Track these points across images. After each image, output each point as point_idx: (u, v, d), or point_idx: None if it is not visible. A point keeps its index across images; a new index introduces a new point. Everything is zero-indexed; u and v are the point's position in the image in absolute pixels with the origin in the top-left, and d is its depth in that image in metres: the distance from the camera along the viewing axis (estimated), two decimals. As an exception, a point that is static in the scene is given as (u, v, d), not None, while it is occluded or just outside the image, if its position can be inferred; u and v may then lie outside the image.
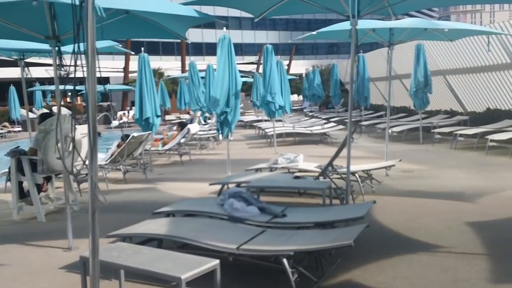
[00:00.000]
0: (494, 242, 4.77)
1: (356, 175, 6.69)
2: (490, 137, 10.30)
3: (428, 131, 13.78)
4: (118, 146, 9.38)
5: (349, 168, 5.44)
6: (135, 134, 9.20)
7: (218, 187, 6.63)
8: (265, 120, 20.39)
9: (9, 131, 24.25)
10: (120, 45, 7.07)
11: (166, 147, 11.45)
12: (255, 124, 19.44)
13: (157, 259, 2.88)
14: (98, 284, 2.42)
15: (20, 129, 25.01)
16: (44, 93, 36.37)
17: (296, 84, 42.64)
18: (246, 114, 31.60)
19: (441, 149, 11.95)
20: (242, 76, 28.42)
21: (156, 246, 4.06)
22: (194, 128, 12.19)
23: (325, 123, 16.17)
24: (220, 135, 8.65)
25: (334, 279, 3.96)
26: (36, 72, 40.43)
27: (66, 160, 6.77)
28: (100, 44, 6.95)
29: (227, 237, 3.98)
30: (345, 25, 8.23)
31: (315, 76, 25.13)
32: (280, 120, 19.82)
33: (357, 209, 4.67)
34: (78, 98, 44.42)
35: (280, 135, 15.54)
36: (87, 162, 7.99)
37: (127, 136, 9.26)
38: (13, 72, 38.14)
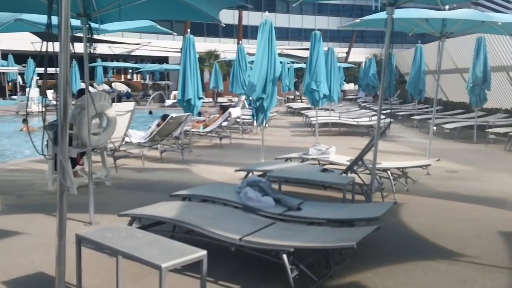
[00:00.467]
0: (525, 256, 4.40)
1: (388, 172, 6.38)
2: (548, 141, 9.53)
3: (483, 130, 12.97)
4: (158, 125, 9.53)
5: (374, 165, 5.19)
6: (174, 115, 9.30)
7: (245, 173, 6.57)
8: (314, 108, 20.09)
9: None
10: (158, 26, 7.07)
11: (207, 129, 11.53)
12: (303, 111, 19.16)
13: (147, 245, 2.86)
14: (64, 265, 2.42)
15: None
16: (105, 69, 37.82)
17: (354, 73, 41.62)
18: (298, 101, 31.36)
19: (494, 150, 11.22)
20: (295, 62, 28.20)
21: (168, 229, 4.09)
22: (235, 112, 12.17)
23: (374, 115, 15.63)
24: (255, 122, 8.55)
25: (341, 280, 3.80)
26: (99, 49, 42.21)
27: (101, 136, 6.98)
28: (138, 24, 7.02)
29: (233, 227, 3.91)
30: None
31: (371, 66, 24.36)
32: (328, 109, 19.47)
33: (375, 209, 4.45)
34: (138, 76, 45.81)
35: (325, 125, 15.26)
36: (126, 139, 8.16)
37: (167, 116, 9.39)
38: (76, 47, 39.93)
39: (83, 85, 25.03)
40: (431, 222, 5.41)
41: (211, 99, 30.05)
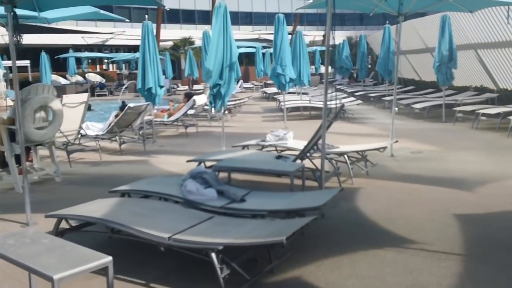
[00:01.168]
0: (477, 239, 4.26)
1: (345, 156, 6.20)
2: (512, 117, 9.47)
3: (452, 109, 12.92)
4: (116, 116, 9.20)
5: (323, 150, 4.98)
6: (131, 105, 8.98)
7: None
8: (287, 93, 19.86)
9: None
10: (101, 11, 6.70)
11: (172, 118, 11.21)
12: (276, 96, 18.92)
13: (48, 252, 2.60)
14: None
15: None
16: (79, 60, 36.89)
17: (332, 56, 41.40)
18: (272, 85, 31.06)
19: (462, 128, 11.16)
20: (266, 47, 27.67)
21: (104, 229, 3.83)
22: (200, 99, 11.86)
23: (344, 97, 15.46)
24: (213, 109, 8.28)
25: (282, 275, 3.60)
26: (72, 39, 41.10)
27: (47, 130, 6.64)
28: (80, 10, 6.65)
29: (166, 224, 3.68)
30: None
31: (344, 48, 24.16)
32: (299, 93, 19.25)
33: (318, 197, 4.25)
34: (113, 65, 44.86)
35: (297, 109, 15.05)
36: (82, 131, 7.75)
37: (125, 106, 9.06)
38: (46, 39, 38.82)
39: (54, 77, 24.21)
40: (386, 206, 5.25)
41: (187, 87, 29.59)
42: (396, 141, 6.80)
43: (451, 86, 16.72)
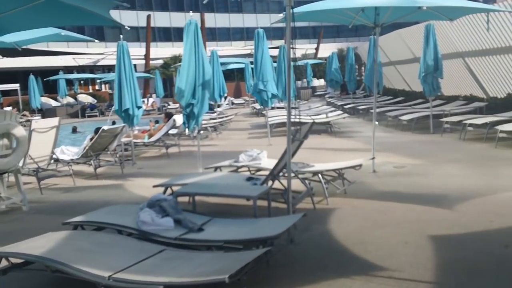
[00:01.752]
0: (450, 264, 3.98)
1: (319, 175, 5.94)
2: (500, 127, 9.23)
3: (439, 120, 12.70)
4: (91, 139, 8.95)
5: (289, 172, 4.71)
6: (105, 127, 8.74)
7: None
8: (278, 108, 19.69)
9: (28, 120, 24.46)
10: (62, 33, 6.49)
11: (152, 139, 10.97)
12: (264, 112, 18.71)
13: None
14: None
15: (39, 117, 25.20)
16: (71, 81, 36.78)
17: (324, 69, 41.38)
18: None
19: (449, 140, 10.92)
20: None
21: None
22: (181, 118, 11.60)
23: (331, 111, 15.25)
24: (186, 130, 8.05)
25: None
26: (63, 61, 41.08)
27: (10, 158, 6.38)
28: (42, 32, 6.44)
29: (111, 261, 3.40)
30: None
31: (333, 60, 24.09)
32: (293, 108, 19.02)
33: (280, 224, 3.97)
34: (106, 85, 44.76)
35: (284, 124, 14.80)
36: (62, 156, 7.43)
37: (99, 129, 8.82)
38: (37, 61, 38.78)
39: (44, 100, 23.93)
40: (359, 229, 4.97)
41: (178, 105, 29.42)
42: (373, 158, 6.54)
43: (441, 96, 16.55)
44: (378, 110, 15.72)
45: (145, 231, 4.02)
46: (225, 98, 22.63)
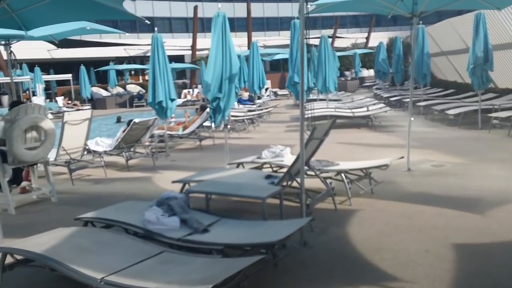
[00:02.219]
0: (470, 278, 3.65)
1: (342, 175, 5.67)
2: (551, 124, 8.52)
3: (488, 115, 11.93)
4: (124, 131, 9.07)
5: (302, 172, 4.49)
6: (137, 120, 8.82)
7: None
8: (320, 100, 19.29)
9: (78, 109, 25.38)
10: (88, 27, 6.53)
11: (186, 131, 10.99)
12: (307, 103, 18.37)
13: None
14: None
15: (89, 107, 26.10)
16: (122, 72, 37.83)
17: (374, 59, 40.13)
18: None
19: (497, 136, 10.22)
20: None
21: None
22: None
23: (373, 104, 14.70)
24: (212, 124, 7.95)
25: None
26: (115, 52, 42.31)
27: (38, 151, 6.54)
28: (69, 26, 6.52)
29: (107, 261, 3.36)
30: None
31: (381, 51, 23.29)
32: (334, 100, 18.61)
33: (282, 229, 3.79)
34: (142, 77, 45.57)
35: (324, 117, 14.43)
36: (96, 147, 7.57)
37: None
38: (91, 52, 40.16)
39: (95, 89, 24.65)
40: (379, 233, 4.69)
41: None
42: (402, 157, 6.16)
43: (494, 89, 15.58)
44: (425, 103, 15.10)
45: (150, 230, 3.96)
46: (266, 89, 22.44)
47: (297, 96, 11.49)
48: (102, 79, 34.81)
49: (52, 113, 22.99)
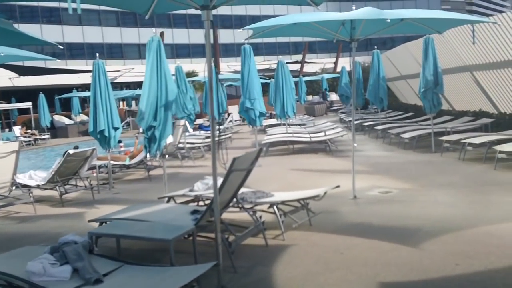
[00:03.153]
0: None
1: (274, 207, 5.30)
2: (499, 147, 8.41)
3: (439, 138, 11.85)
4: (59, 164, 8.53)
5: (216, 207, 4.09)
6: (71, 151, 8.30)
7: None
8: (283, 124, 19.08)
9: (36, 139, 24.52)
10: (1, 53, 6.02)
11: (134, 160, 10.50)
12: (267, 129, 18.16)
13: None
14: None
15: (48, 136, 25.27)
16: (85, 99, 37.02)
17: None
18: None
19: (448, 160, 10.09)
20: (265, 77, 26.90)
21: None
22: (169, 139, 11.13)
23: (332, 128, 14.52)
24: (148, 154, 7.54)
25: None
26: (81, 79, 41.55)
27: None
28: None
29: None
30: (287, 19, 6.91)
31: (343, 75, 23.47)
32: (295, 125, 18.44)
33: (182, 277, 3.37)
34: (123, 103, 45.01)
35: (284, 143, 14.13)
36: (29, 181, 6.95)
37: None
38: (48, 80, 39.30)
39: (57, 118, 23.72)
40: (306, 273, 4.31)
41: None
42: (338, 186, 5.84)
43: (449, 112, 15.68)
44: (382, 126, 15.02)
45: (35, 284, 3.47)
46: (228, 115, 22.14)
47: (249, 121, 11.15)
48: (66, 107, 33.98)
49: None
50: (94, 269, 3.64)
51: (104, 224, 5.08)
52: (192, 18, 52.26)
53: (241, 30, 7.07)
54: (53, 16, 44.90)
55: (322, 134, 13.54)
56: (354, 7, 7.18)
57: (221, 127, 18.87)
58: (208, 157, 13.52)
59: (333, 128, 14.75)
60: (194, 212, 5.11)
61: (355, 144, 7.63)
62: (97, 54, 9.70)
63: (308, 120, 21.79)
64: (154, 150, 7.13)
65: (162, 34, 35.84)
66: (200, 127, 18.37)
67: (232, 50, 50.85)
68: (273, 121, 22.61)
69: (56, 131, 28.28)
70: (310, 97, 39.49)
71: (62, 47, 6.79)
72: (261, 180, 9.28)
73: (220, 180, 5.76)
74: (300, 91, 31.17)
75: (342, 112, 26.57)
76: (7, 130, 28.52)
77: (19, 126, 26.35)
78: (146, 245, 5.18)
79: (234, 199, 5.10)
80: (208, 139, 14.77)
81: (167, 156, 9.00)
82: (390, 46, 27.48)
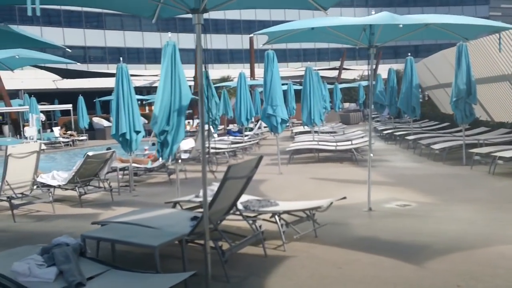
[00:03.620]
0: None
1: (276, 217, 5.18)
2: (529, 162, 7.94)
3: (469, 151, 11.33)
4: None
5: (206, 213, 4.01)
6: (90, 153, 8.47)
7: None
8: (314, 132, 18.87)
9: (74, 140, 25.30)
10: (17, 56, 6.14)
11: (155, 164, 10.61)
12: (296, 136, 17.99)
13: None
14: None
15: (85, 137, 26.02)
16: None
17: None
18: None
19: (478, 173, 9.62)
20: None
21: None
22: (186, 144, 11.22)
23: (360, 137, 14.18)
24: (160, 158, 7.56)
25: None
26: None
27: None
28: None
29: None
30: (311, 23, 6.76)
31: (378, 83, 22.98)
32: (326, 132, 18.19)
33: (161, 284, 3.30)
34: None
35: (310, 150, 13.93)
36: (51, 181, 7.16)
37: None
38: (89, 83, 40.57)
39: (97, 120, 24.40)
40: (298, 286, 4.17)
41: (222, 126, 29.26)
42: (344, 198, 5.63)
43: (487, 123, 15.01)
44: (414, 136, 14.55)
45: (20, 284, 3.51)
46: (258, 121, 22.08)
47: (271, 128, 11.04)
48: (106, 109, 34.97)
49: (46, 144, 22.98)
50: (80, 272, 3.64)
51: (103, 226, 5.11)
52: (231, 23, 52.79)
53: (252, 35, 7.01)
54: (97, 21, 46.51)
55: (349, 142, 13.26)
56: (373, 12, 7.00)
57: (250, 133, 18.89)
58: (233, 163, 13.51)
59: (362, 137, 14.41)
60: (195, 218, 5.06)
61: (371, 155, 7.39)
62: (121, 58, 9.88)
63: (340, 128, 21.45)
64: (167, 155, 7.15)
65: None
66: (229, 132, 18.40)
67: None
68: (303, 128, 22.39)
69: (94, 132, 29.10)
70: (346, 105, 39.03)
71: (70, 51, 6.97)
72: (277, 188, 9.18)
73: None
74: (335, 99, 30.79)
75: (377, 121, 26.04)
76: (48, 130, 29.61)
77: (59, 127, 27.30)
78: (144, 250, 5.17)
79: (235, 207, 5.01)
80: (233, 145, 14.78)
81: (180, 161, 9.02)
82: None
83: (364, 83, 37.23)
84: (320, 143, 13.60)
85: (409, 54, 15.22)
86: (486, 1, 68.64)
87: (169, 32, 7.21)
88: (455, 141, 12.04)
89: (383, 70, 47.59)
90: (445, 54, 17.67)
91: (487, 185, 8.46)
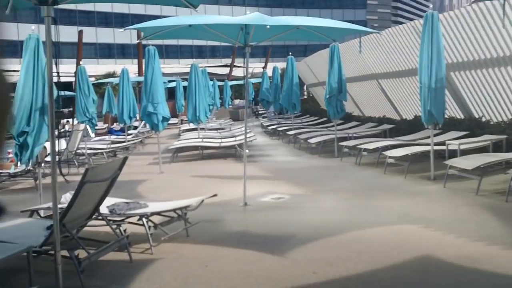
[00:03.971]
0: None
1: (143, 219, 5.04)
2: (388, 153, 8.72)
3: (339, 144, 12.14)
4: None
5: (56, 222, 3.77)
6: None
7: None
8: (199, 129, 18.83)
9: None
10: None
11: (19, 168, 9.72)
12: (182, 134, 17.81)
13: None
14: None
15: None
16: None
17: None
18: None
19: (347, 165, 10.35)
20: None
21: None
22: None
23: (241, 134, 14.46)
24: (18, 163, 7.01)
25: None
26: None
27: None
28: None
29: None
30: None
31: (264, 80, 23.75)
32: (217, 129, 18.28)
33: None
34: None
35: (196, 148, 13.85)
36: None
37: None
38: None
39: None
40: (159, 290, 4.09)
41: (106, 125, 27.94)
42: (215, 195, 5.68)
43: (358, 118, 16.21)
44: (294, 131, 15.20)
45: None
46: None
47: (152, 127, 10.78)
48: None
49: None
50: None
51: None
52: (120, 17, 50.59)
53: (122, 30, 6.77)
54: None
55: (233, 139, 13.45)
56: (248, 12, 7.14)
57: (134, 131, 18.28)
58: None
59: (239, 135, 14.70)
60: (50, 227, 4.72)
61: (247, 151, 7.56)
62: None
63: (228, 124, 21.68)
64: (26, 158, 6.59)
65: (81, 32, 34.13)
66: (110, 131, 17.65)
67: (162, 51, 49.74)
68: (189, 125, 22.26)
69: None
70: (237, 101, 39.59)
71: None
72: (155, 188, 8.96)
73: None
74: (225, 95, 31.10)
75: (264, 117, 26.80)
76: None
77: None
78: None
79: (97, 212, 4.78)
80: (114, 145, 14.20)
81: (43, 164, 8.41)
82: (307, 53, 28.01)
83: (254, 80, 38.14)
84: (204, 140, 13.62)
85: (290, 53, 15.85)
86: (364, 6, 74.32)
87: (32, 26, 6.64)
88: (329, 135, 12.81)
89: (271, 68, 49.20)
90: (322, 54, 18.69)
91: (353, 175, 9.12)
